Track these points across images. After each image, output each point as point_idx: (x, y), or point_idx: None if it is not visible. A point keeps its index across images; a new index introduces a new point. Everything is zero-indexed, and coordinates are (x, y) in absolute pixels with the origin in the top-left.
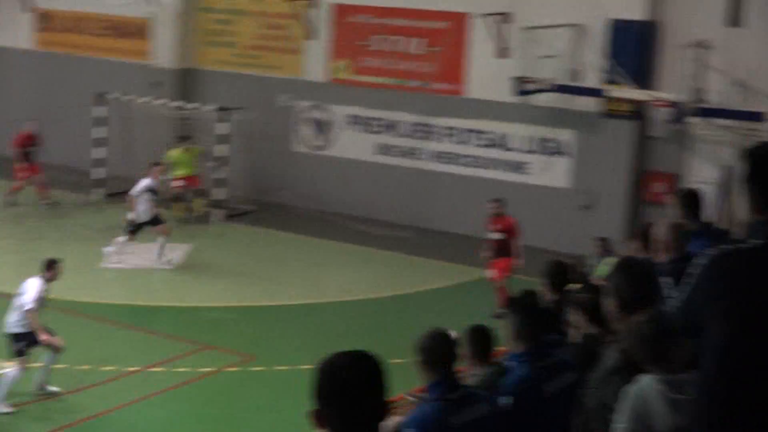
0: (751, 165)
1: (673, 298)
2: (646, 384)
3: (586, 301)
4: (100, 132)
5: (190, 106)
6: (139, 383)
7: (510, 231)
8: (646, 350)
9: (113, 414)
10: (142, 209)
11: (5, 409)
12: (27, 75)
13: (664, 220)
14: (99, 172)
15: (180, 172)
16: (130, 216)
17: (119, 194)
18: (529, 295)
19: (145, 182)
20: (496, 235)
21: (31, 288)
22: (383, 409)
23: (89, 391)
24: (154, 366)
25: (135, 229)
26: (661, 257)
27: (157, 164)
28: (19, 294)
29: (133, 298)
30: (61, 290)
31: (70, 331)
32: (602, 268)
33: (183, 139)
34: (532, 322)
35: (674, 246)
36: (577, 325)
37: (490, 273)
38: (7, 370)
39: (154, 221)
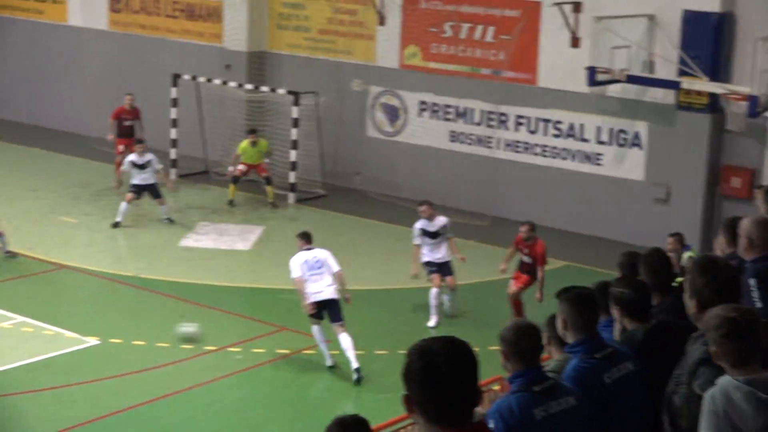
0: None
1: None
2: (729, 384)
3: (623, 296)
4: (174, 113)
5: (262, 89)
6: (217, 362)
7: (538, 257)
8: (729, 348)
9: (191, 392)
10: (425, 252)
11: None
12: (102, 55)
13: (751, 216)
14: (173, 153)
15: (246, 160)
16: (413, 271)
17: (192, 175)
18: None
19: (418, 224)
20: (526, 259)
21: (328, 255)
22: (475, 395)
23: (167, 368)
24: (231, 346)
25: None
26: (747, 254)
27: (426, 203)
28: (318, 264)
29: (210, 278)
30: (141, 269)
31: (150, 309)
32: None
33: (251, 132)
34: (584, 313)
35: (761, 243)
36: (617, 319)
37: (512, 287)
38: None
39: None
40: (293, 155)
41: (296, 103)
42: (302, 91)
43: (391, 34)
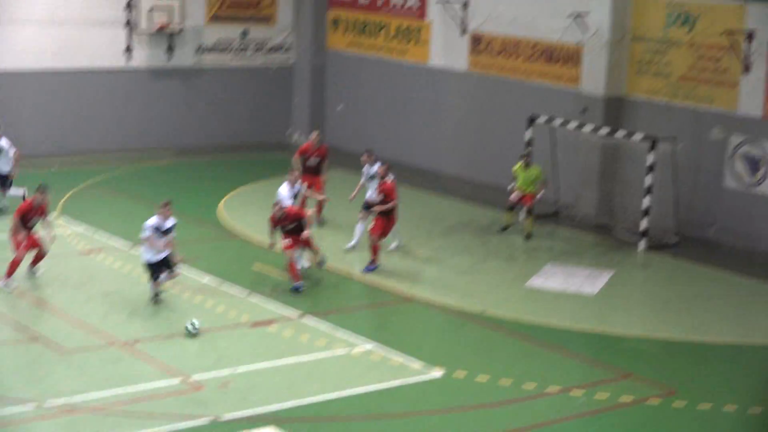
0: None
1: None
2: None
3: None
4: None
5: (618, 134)
6: (558, 405)
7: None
8: None
9: (530, 431)
10: None
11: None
12: (461, 96)
13: None
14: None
15: (518, 185)
16: None
17: (544, 216)
18: None
19: None
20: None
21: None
22: None
23: (509, 406)
24: (573, 389)
25: None
26: None
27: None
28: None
29: (556, 320)
30: (488, 306)
31: (494, 346)
32: None
33: (524, 156)
34: None
35: None
36: None
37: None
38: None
39: None
40: (646, 201)
41: (652, 149)
42: (659, 137)
43: (755, 82)
